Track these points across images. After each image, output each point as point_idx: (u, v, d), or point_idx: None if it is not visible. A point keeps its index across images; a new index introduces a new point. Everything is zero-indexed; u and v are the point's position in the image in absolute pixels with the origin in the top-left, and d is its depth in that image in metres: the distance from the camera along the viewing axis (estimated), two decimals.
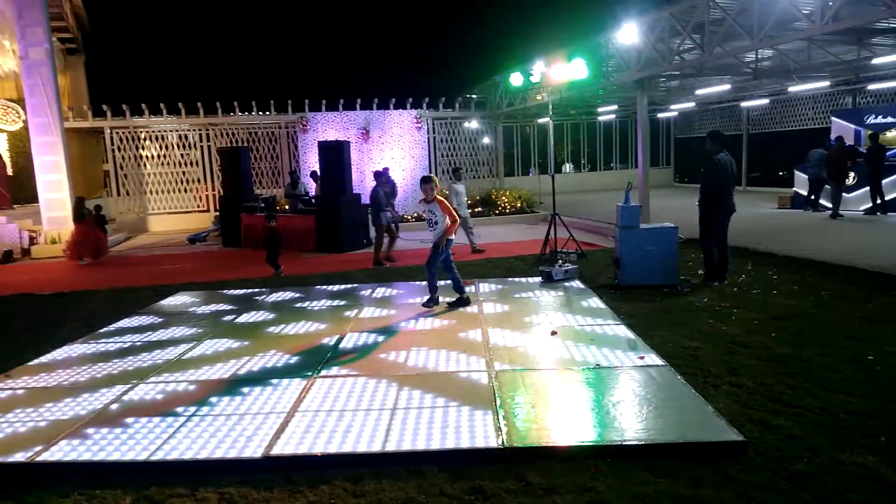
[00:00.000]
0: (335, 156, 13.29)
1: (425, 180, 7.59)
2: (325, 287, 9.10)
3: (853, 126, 15.84)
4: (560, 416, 4.27)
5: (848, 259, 8.85)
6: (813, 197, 14.86)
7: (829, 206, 14.02)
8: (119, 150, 18.86)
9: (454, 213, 7.43)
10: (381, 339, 6.30)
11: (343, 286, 9.09)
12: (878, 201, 13.57)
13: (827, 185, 14.27)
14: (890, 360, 5.04)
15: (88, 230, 13.46)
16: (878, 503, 3.15)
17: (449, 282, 7.61)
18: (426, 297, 7.58)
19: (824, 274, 8.26)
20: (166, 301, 8.66)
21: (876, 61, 12.73)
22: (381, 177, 11.53)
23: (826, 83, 16.96)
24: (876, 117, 15.52)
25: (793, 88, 17.54)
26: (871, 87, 16.80)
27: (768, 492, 3.28)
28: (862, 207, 14.01)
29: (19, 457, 3.96)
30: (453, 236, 7.45)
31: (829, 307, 6.73)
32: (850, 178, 14.12)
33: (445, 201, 7.44)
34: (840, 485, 3.31)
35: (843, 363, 5.04)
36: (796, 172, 15.90)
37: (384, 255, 11.26)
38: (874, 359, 5.09)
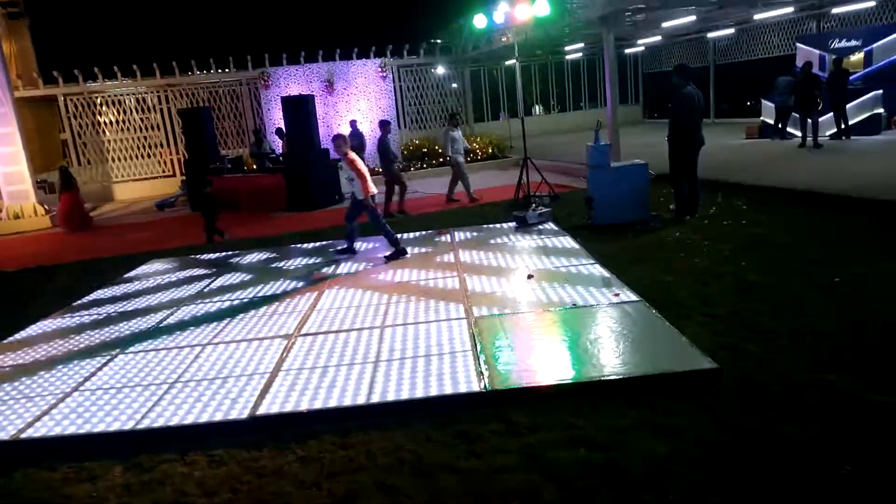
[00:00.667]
0: (300, 111, 13.00)
1: (333, 138, 7.88)
2: (298, 246, 9.04)
3: (818, 51, 15.85)
4: (540, 356, 4.35)
5: (815, 185, 8.99)
6: (780, 125, 14.97)
7: (798, 133, 14.14)
8: (75, 117, 18.21)
9: (361, 171, 7.49)
10: (358, 293, 6.31)
11: (316, 244, 9.03)
12: (843, 126, 13.72)
13: (795, 113, 14.35)
14: (855, 282, 5.20)
15: (78, 199, 13.42)
16: (846, 417, 3.30)
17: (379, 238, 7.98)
18: (387, 251, 7.70)
19: (792, 202, 8.41)
20: (139, 269, 8.54)
21: None
22: (388, 125, 11.19)
23: (790, 9, 16.84)
24: (840, 41, 15.53)
25: (758, 16, 17.41)
26: (835, 10, 16.75)
27: (743, 415, 3.41)
28: (827, 133, 14.15)
29: (2, 435, 3.94)
30: (374, 191, 7.57)
31: (797, 234, 6.87)
32: (818, 105, 14.03)
33: (355, 158, 7.54)
34: (810, 403, 3.46)
35: (810, 288, 5.19)
36: (763, 101, 15.96)
37: (396, 208, 11.00)
38: (840, 281, 5.24)
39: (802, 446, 3.10)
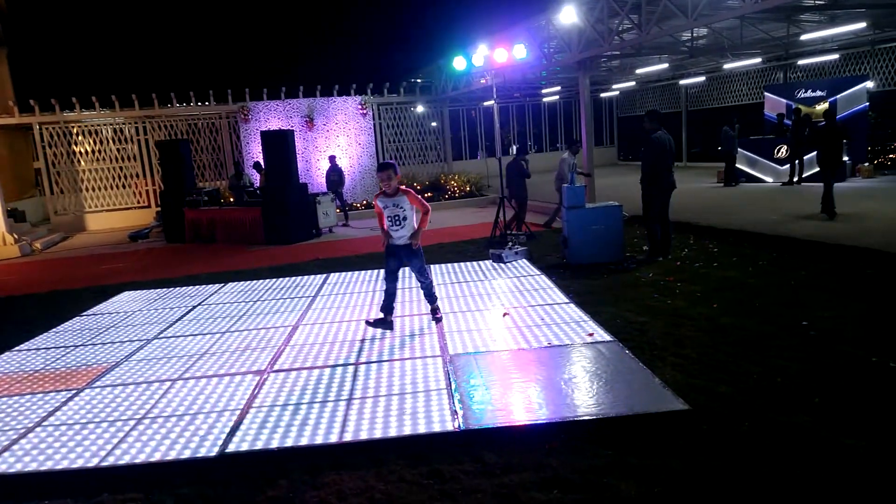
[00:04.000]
0: (279, 145, 13.05)
1: (384, 167, 5.87)
2: (274, 280, 8.97)
3: (784, 100, 16.45)
4: (514, 395, 4.35)
5: (783, 230, 9.23)
6: (729, 173, 15.48)
7: (763, 177, 14.53)
8: (50, 146, 18.05)
9: (426, 203, 5.98)
10: (333, 330, 6.27)
11: (292, 278, 8.98)
12: (798, 173, 14.37)
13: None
14: (823, 325, 5.31)
15: None
16: (814, 459, 3.34)
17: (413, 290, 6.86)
18: (434, 313, 6.33)
19: (761, 245, 8.61)
20: (109, 302, 8.40)
21: (804, 37, 13.23)
22: (522, 151, 11.41)
23: (758, 60, 17.52)
24: (806, 91, 16.15)
25: (727, 65, 18.08)
26: (801, 62, 17.45)
27: (713, 457, 3.43)
28: (794, 178, 14.59)
29: None
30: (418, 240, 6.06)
31: (766, 277, 7.03)
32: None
33: (412, 190, 6.04)
34: (779, 445, 3.49)
35: (779, 330, 5.29)
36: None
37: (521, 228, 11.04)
38: (808, 324, 5.35)
39: (774, 489, 3.13)
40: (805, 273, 7.01)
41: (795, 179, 14.45)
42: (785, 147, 14.92)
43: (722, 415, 3.88)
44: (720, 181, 16.14)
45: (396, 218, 5.91)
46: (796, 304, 5.92)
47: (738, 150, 15.69)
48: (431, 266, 8.91)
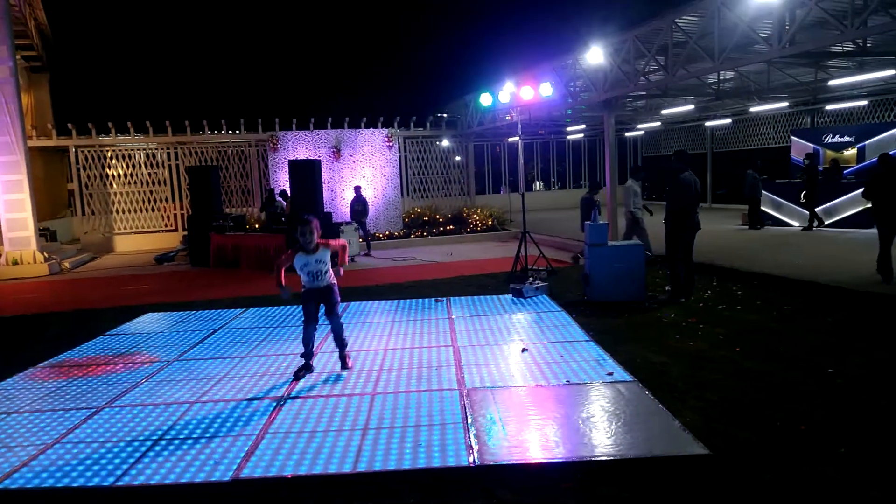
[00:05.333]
0: (306, 174, 13.27)
1: (304, 222, 5.50)
2: (294, 307, 9.02)
3: (812, 145, 16.35)
4: (531, 432, 4.30)
5: (807, 275, 9.10)
6: (753, 217, 15.35)
7: (791, 222, 14.34)
8: (84, 168, 18.57)
9: (338, 240, 5.92)
10: (351, 358, 6.27)
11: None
12: (815, 219, 14.27)
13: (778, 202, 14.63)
14: (849, 373, 5.19)
15: None
16: None
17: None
18: (303, 363, 5.83)
19: (785, 289, 8.48)
20: (132, 322, 8.51)
21: (832, 83, 13.21)
22: (595, 187, 11.51)
23: (785, 104, 17.51)
24: (833, 136, 16.04)
25: (754, 109, 18.06)
26: (829, 107, 17.38)
27: (732, 503, 3.35)
28: (815, 224, 14.41)
29: None
30: (342, 269, 5.85)
31: (790, 322, 6.91)
32: None
33: (331, 242, 5.73)
34: (800, 495, 3.40)
35: (804, 376, 5.18)
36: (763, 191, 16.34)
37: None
38: (834, 372, 5.24)
39: None
40: (831, 319, 6.88)
41: (816, 225, 14.29)
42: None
43: (742, 461, 3.79)
44: (744, 223, 16.00)
45: (316, 273, 5.61)
46: (822, 351, 5.80)
47: (764, 192, 15.58)
48: (451, 298, 8.91)
